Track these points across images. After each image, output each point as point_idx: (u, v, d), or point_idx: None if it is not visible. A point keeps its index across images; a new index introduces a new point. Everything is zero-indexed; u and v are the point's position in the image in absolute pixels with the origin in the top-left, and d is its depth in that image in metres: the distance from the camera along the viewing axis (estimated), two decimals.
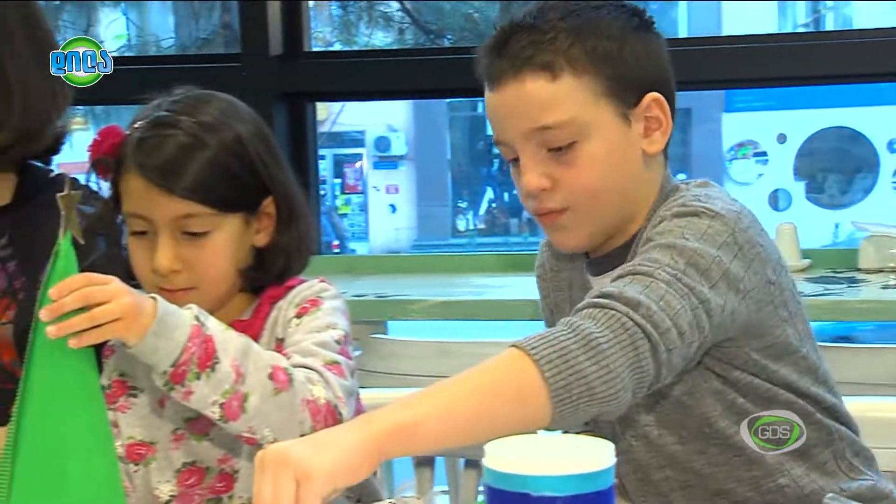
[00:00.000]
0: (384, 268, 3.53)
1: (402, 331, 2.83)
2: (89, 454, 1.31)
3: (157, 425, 1.62)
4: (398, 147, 17.44)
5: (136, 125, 1.59)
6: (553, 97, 1.50)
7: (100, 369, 1.67)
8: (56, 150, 1.79)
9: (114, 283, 1.36)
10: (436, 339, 2.44)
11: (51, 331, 1.30)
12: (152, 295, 1.41)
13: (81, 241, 1.33)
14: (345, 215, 16.91)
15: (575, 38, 1.51)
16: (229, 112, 1.61)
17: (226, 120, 1.59)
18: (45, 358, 1.31)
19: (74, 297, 1.31)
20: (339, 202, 16.83)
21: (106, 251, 1.75)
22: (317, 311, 1.58)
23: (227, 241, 1.57)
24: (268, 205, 1.61)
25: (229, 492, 1.59)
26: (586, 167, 1.52)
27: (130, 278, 1.63)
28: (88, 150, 1.62)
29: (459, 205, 18.00)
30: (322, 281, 1.64)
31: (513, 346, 1.29)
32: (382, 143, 17.40)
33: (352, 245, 15.51)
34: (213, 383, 1.41)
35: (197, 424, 1.59)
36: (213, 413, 1.42)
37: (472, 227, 17.66)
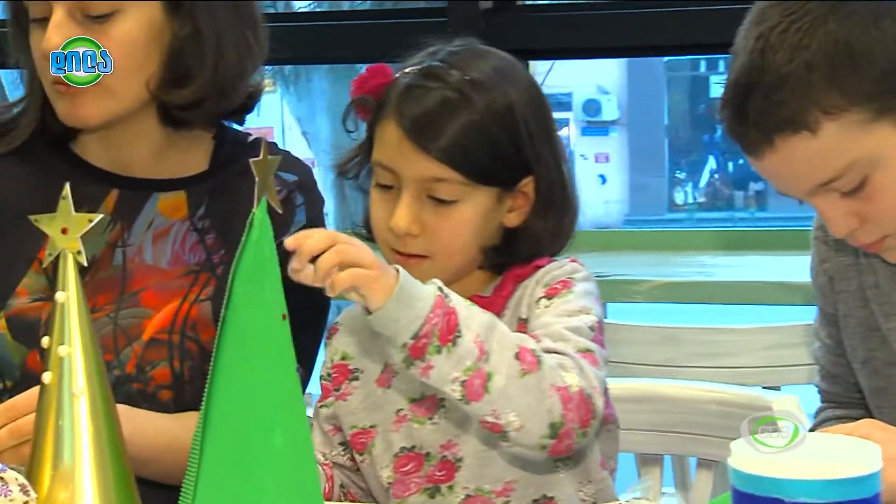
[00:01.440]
0: (596, 244, 3.51)
1: (618, 313, 2.82)
2: (282, 448, 1.33)
3: (380, 406, 1.64)
4: (609, 111, 17.33)
5: (406, 70, 1.61)
6: (821, 153, 1.45)
7: (308, 361, 1.71)
8: (250, 108, 1.83)
9: (358, 242, 1.42)
10: (661, 323, 2.42)
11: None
12: (395, 266, 1.44)
13: (279, 211, 1.30)
14: None
15: (814, 75, 1.43)
16: (505, 73, 1.61)
17: (499, 81, 1.59)
18: (238, 338, 1.32)
19: (331, 252, 1.38)
20: None
21: (306, 224, 1.78)
22: (568, 294, 1.58)
23: (473, 215, 1.58)
24: (526, 184, 1.61)
25: (449, 481, 1.61)
26: (887, 195, 1.47)
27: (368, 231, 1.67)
28: (352, 85, 1.65)
29: (677, 175, 17.80)
30: (573, 261, 1.63)
31: None
32: (592, 107, 17.31)
33: None
34: (454, 358, 1.42)
35: (422, 406, 1.62)
36: (454, 392, 1.43)
37: (691, 200, 17.46)
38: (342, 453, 1.70)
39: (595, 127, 17.70)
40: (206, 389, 1.32)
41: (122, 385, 1.68)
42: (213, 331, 1.67)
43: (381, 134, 1.60)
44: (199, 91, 1.71)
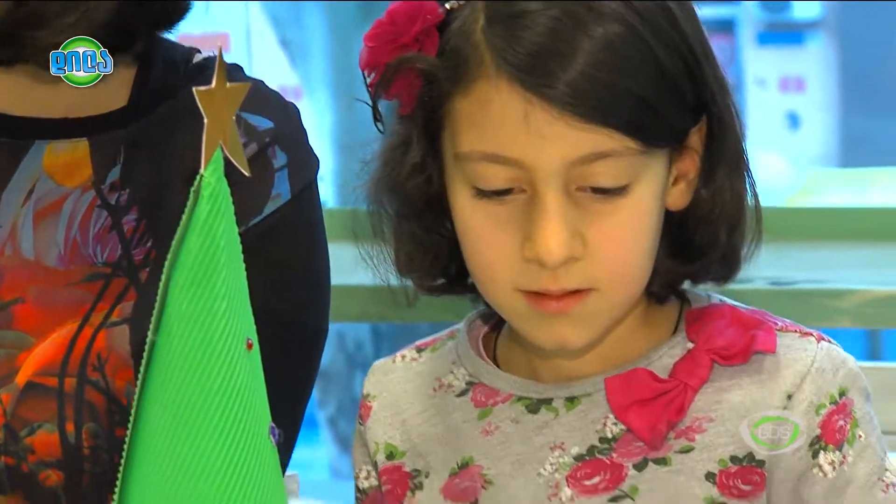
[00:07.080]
0: (773, 229, 3.55)
1: None
2: None
3: None
4: (806, 5, 17.26)
5: None
6: None
7: (289, 416, 1.75)
8: (170, 19, 1.85)
9: None
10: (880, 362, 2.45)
11: None
12: None
13: (246, 172, 1.28)
14: None
15: None
16: None
17: None
18: (173, 382, 1.33)
19: None
20: None
21: (291, 201, 1.83)
22: (856, 430, 1.60)
23: (650, 203, 1.58)
24: (695, 135, 1.61)
25: None
26: None
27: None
28: (368, 44, 1.60)
29: None
30: (822, 339, 1.64)
31: None
32: None
33: None
34: None
35: None
36: None
37: None
38: None
39: (781, 32, 17.64)
40: (120, 469, 1.35)
41: None
42: (132, 372, 1.72)
43: (478, 107, 1.55)
44: None
